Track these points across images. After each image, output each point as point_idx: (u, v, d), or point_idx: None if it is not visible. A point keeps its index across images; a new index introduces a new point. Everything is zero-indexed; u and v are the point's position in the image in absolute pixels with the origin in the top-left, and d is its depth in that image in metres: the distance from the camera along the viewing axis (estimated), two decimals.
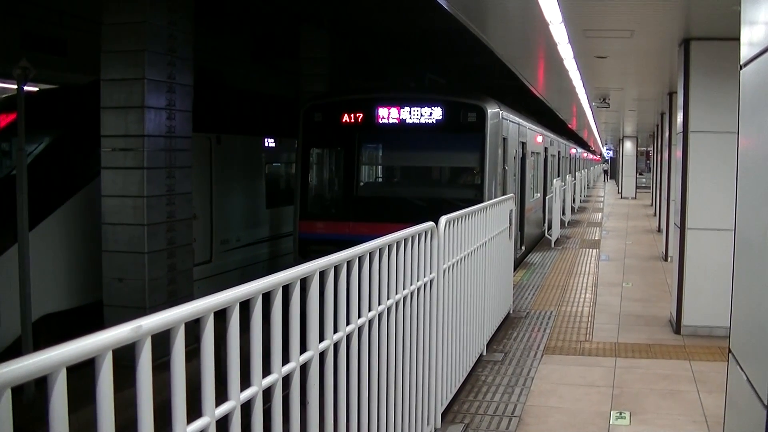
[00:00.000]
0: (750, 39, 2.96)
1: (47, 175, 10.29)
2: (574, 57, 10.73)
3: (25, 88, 8.83)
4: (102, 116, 9.79)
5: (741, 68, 3.06)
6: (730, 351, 3.22)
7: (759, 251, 2.74)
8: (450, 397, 6.09)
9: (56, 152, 10.68)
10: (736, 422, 3.16)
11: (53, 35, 13.95)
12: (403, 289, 4.62)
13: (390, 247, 4.33)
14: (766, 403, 2.56)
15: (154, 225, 9.81)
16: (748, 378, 2.83)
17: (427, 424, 5.39)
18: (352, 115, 11.94)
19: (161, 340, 2.31)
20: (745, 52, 3.00)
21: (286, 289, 3.08)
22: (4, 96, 13.34)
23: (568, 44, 9.60)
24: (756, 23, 2.88)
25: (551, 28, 8.53)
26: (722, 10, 6.76)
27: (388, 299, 4.33)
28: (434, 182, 13.03)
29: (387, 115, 11.85)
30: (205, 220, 12.65)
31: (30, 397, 7.80)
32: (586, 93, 16.49)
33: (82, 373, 2.22)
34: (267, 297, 2.91)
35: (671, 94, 14.42)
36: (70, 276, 10.34)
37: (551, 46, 9.81)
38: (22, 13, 13.32)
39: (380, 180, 13.69)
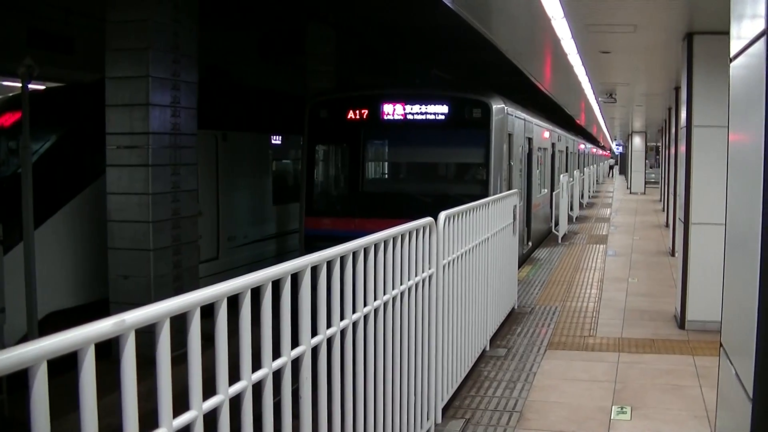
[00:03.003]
0: (738, 32, 2.96)
1: (53, 172, 10.33)
2: (579, 52, 10.71)
3: (32, 86, 8.88)
4: (107, 114, 9.83)
5: (730, 62, 3.05)
6: (721, 345, 3.23)
7: (746, 246, 2.74)
8: (451, 392, 6.10)
9: (62, 150, 10.73)
10: (726, 416, 3.16)
11: (60, 33, 14.00)
12: (401, 284, 4.63)
13: (386, 242, 4.33)
14: (752, 397, 2.56)
15: (159, 222, 9.85)
16: (736, 372, 2.84)
17: (428, 419, 5.40)
18: (357, 112, 11.97)
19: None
20: (734, 45, 3.00)
21: (277, 285, 3.09)
22: (11, 94, 13.40)
23: (572, 39, 9.59)
24: (743, 16, 2.87)
25: (554, 23, 8.53)
26: (724, 4, 6.73)
27: (384, 294, 4.33)
28: (439, 178, 13.04)
29: (392, 111, 11.87)
30: (212, 216, 12.69)
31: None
32: (592, 88, 16.45)
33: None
34: (257, 292, 2.93)
35: (677, 89, 14.37)
36: (76, 273, 10.39)
37: (555, 41, 9.80)
38: (29, 10, 13.36)
39: (386, 176, 13.72)
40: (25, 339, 8.77)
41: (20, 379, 1.86)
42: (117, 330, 2.10)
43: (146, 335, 2.25)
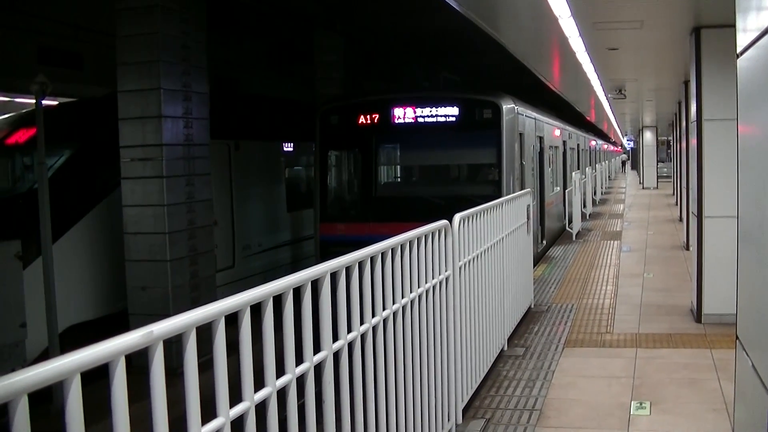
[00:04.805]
0: (744, 26, 2.98)
1: (69, 187, 10.42)
2: (586, 50, 10.73)
3: (45, 102, 8.97)
4: (120, 127, 9.92)
5: (737, 57, 3.08)
6: (737, 338, 3.26)
7: (759, 239, 2.77)
8: (471, 392, 6.12)
9: (77, 164, 10.83)
10: (744, 408, 3.19)
11: (69, 49, 14.12)
12: (418, 287, 4.67)
13: (402, 246, 4.38)
14: None
15: (175, 233, 9.92)
16: (753, 364, 2.87)
17: (448, 420, 5.43)
18: (368, 117, 12.02)
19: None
20: (741, 40, 3.03)
21: (298, 292, 3.14)
22: (24, 110, 13.51)
23: (579, 38, 9.61)
24: (749, 10, 2.90)
25: (561, 22, 8.56)
26: None
27: (402, 298, 4.38)
28: (452, 180, 13.07)
29: (402, 115, 11.92)
30: (227, 226, 12.76)
31: (59, 406, 7.91)
32: (601, 85, 16.45)
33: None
34: (279, 300, 2.97)
35: (686, 83, 14.35)
36: (94, 286, 10.48)
37: (562, 40, 9.82)
38: (38, 28, 13.48)
39: (398, 180, 13.76)
40: (46, 353, 8.85)
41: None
42: (146, 341, 2.16)
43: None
